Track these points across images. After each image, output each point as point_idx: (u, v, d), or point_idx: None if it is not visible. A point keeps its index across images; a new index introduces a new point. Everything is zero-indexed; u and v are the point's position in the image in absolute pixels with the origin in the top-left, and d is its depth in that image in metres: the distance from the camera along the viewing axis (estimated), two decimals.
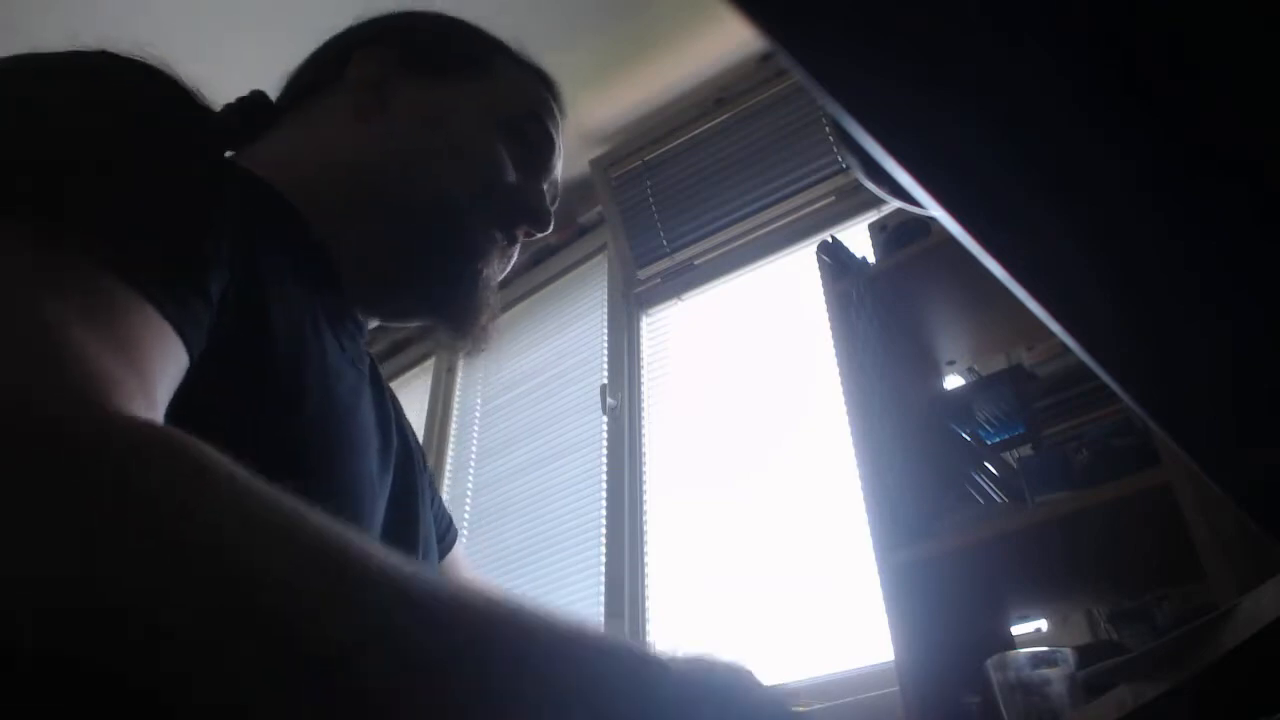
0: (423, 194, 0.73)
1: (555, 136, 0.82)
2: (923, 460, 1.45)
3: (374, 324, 0.78)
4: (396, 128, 0.74)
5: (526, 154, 0.79)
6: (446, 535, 0.88)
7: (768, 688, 0.47)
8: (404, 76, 0.76)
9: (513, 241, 0.80)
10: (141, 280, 0.45)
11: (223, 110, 0.73)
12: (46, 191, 0.46)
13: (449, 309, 0.76)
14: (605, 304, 2.60)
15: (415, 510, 0.72)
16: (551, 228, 0.81)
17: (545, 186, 0.82)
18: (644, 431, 2.32)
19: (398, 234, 0.73)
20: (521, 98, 0.80)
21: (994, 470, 1.42)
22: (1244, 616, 0.55)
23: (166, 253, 0.49)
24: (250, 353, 0.54)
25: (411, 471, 0.74)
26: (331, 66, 0.77)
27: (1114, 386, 0.31)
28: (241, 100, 0.76)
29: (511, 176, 0.77)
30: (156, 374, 0.44)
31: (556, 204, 0.84)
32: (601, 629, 0.43)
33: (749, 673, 0.47)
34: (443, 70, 0.77)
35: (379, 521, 0.64)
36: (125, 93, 0.54)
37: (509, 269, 0.82)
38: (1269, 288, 0.29)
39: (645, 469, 2.27)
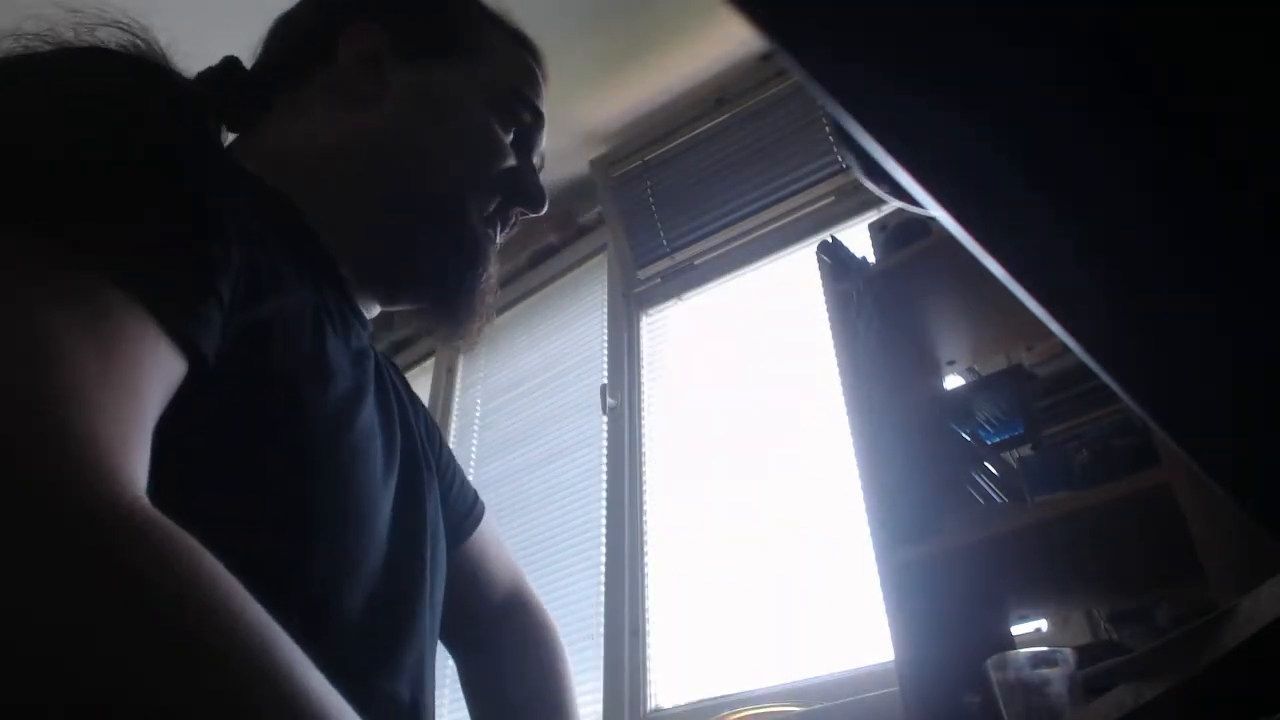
0: (429, 187, 0.73)
1: (543, 108, 0.81)
2: (923, 460, 1.45)
3: (375, 312, 0.77)
4: (396, 115, 0.73)
5: (519, 130, 0.78)
6: (472, 512, 0.90)
7: None
8: (398, 55, 0.74)
9: (508, 226, 0.79)
10: (147, 293, 0.46)
11: (197, 81, 0.70)
12: (50, 202, 0.46)
13: (450, 309, 0.76)
14: (605, 304, 2.60)
15: (422, 507, 0.72)
16: (546, 207, 0.80)
17: (535, 160, 0.81)
18: (644, 431, 2.32)
19: (404, 230, 0.73)
20: (512, 72, 0.78)
21: (994, 470, 1.42)
22: (1244, 616, 0.55)
23: (174, 260, 0.49)
24: (250, 365, 0.54)
25: (417, 467, 0.74)
26: (318, 42, 0.74)
27: (1114, 386, 0.31)
28: (216, 72, 0.73)
29: (512, 160, 0.77)
30: (149, 397, 0.45)
31: (542, 172, 0.83)
32: None
33: None
34: (436, 48, 0.76)
35: (384, 522, 0.64)
36: (124, 95, 0.53)
37: (508, 269, 0.82)
38: (1269, 287, 0.29)
39: (645, 469, 2.26)
